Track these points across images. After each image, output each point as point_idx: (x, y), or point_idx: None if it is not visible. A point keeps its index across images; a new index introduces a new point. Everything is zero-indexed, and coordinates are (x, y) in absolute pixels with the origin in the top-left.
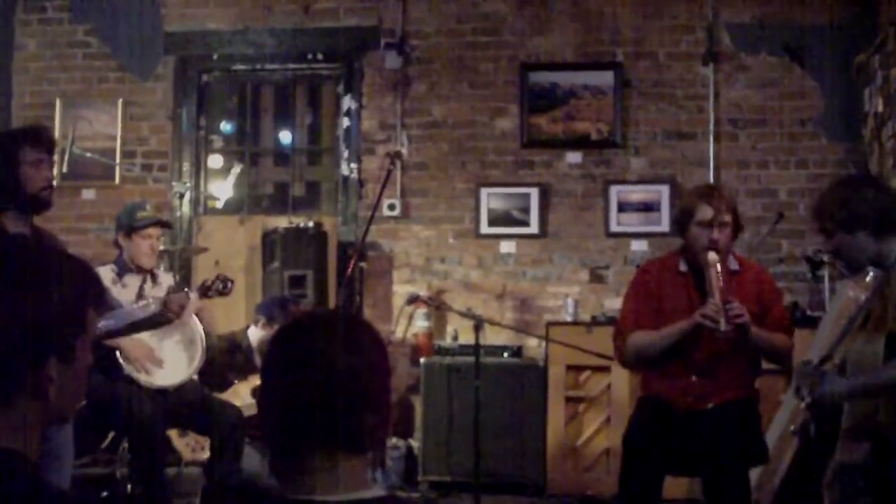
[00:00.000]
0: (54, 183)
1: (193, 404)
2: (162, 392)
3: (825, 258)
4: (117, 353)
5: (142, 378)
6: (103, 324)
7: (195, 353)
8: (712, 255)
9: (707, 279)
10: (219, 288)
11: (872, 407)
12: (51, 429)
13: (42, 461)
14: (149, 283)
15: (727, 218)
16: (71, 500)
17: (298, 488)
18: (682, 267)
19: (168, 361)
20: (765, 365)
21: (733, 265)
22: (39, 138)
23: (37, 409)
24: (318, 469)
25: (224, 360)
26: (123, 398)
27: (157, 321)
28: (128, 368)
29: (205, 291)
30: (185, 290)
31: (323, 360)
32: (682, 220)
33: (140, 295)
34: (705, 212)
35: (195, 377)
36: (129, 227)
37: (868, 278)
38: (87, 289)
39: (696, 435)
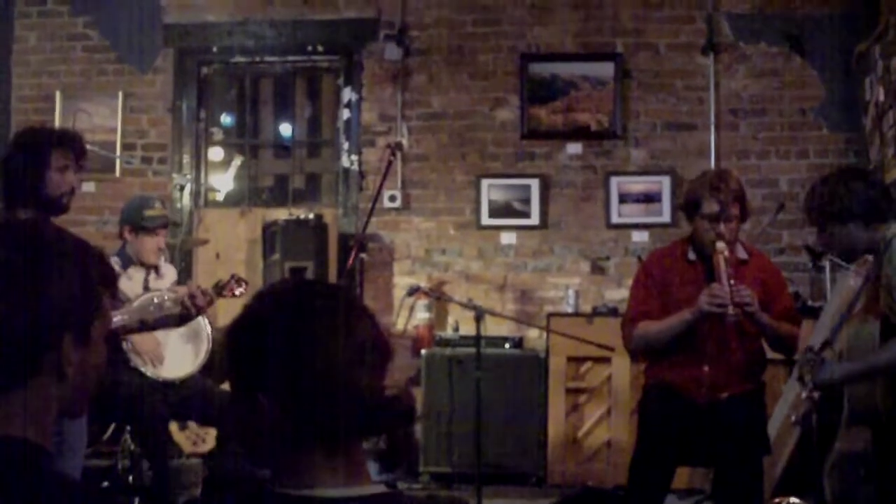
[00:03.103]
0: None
1: (197, 396)
2: (166, 385)
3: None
4: (125, 343)
5: (148, 370)
6: (120, 318)
7: (201, 346)
8: (720, 244)
9: (714, 266)
10: (233, 289)
11: (871, 392)
12: (65, 421)
13: (56, 452)
14: (153, 276)
15: (734, 211)
16: (85, 491)
17: (296, 484)
18: (691, 255)
19: (174, 355)
20: (768, 355)
21: (742, 254)
22: (72, 144)
23: (54, 394)
24: (316, 463)
25: (224, 351)
26: (125, 389)
27: (181, 319)
28: (135, 360)
29: (220, 291)
30: (202, 288)
31: (306, 344)
32: (688, 209)
33: (146, 287)
34: (712, 206)
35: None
36: (138, 225)
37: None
38: (100, 270)
39: (712, 425)
